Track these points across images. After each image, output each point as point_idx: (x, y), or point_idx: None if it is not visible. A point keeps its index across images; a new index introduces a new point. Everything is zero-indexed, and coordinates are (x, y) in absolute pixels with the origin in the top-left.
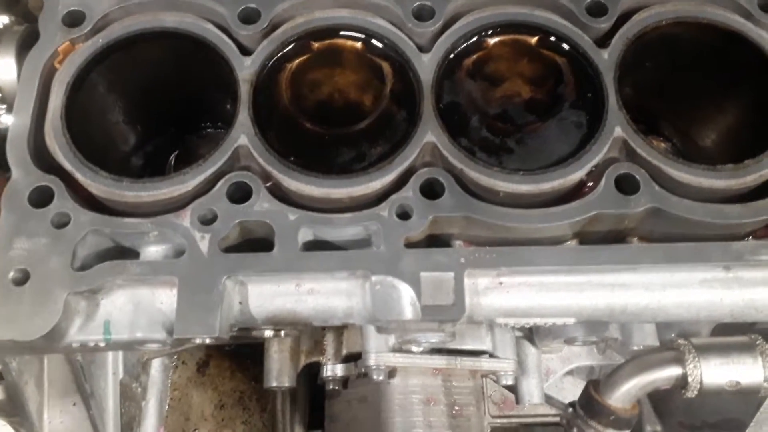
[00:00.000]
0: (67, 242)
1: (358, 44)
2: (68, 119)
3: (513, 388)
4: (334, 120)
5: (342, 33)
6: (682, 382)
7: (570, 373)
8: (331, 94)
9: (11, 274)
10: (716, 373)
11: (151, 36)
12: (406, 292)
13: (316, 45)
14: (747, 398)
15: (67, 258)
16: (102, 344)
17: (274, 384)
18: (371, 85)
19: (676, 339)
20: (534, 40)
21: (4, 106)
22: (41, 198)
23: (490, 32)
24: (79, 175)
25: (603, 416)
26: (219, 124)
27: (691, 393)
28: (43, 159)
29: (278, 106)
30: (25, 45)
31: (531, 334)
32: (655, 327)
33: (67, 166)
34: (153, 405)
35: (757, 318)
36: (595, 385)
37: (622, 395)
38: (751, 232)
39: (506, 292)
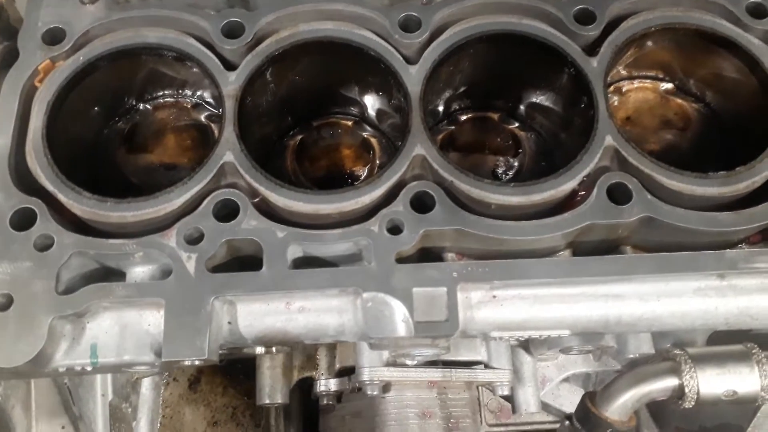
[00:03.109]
0: (50, 265)
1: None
2: (50, 139)
3: (509, 398)
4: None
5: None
6: (679, 393)
7: (566, 380)
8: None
9: None
10: (713, 383)
11: (133, 52)
12: (398, 309)
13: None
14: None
15: (50, 281)
16: (89, 368)
17: (267, 401)
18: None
19: (672, 349)
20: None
21: None
22: (23, 221)
23: (477, 42)
24: (61, 197)
25: (600, 429)
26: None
27: (688, 404)
28: (24, 181)
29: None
30: (5, 64)
31: (526, 343)
32: (650, 335)
33: (50, 187)
34: (144, 425)
35: (753, 325)
36: (592, 398)
37: (619, 407)
38: (744, 239)
39: (500, 306)
